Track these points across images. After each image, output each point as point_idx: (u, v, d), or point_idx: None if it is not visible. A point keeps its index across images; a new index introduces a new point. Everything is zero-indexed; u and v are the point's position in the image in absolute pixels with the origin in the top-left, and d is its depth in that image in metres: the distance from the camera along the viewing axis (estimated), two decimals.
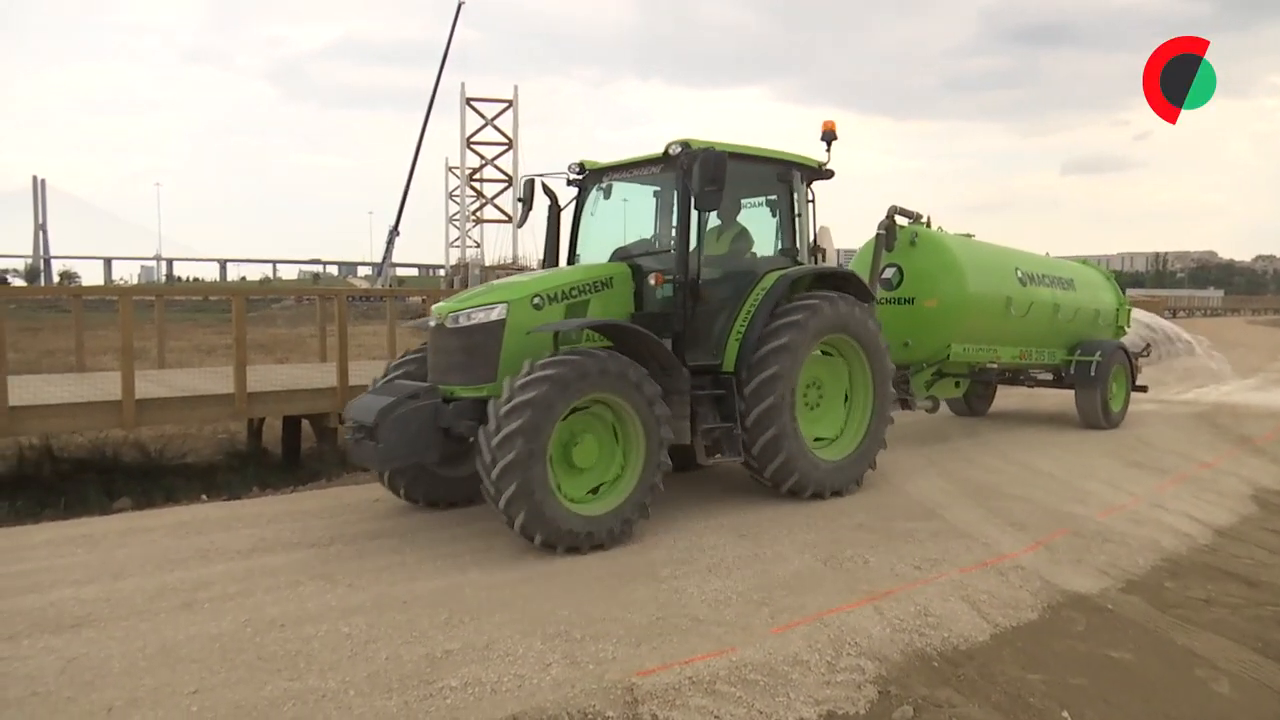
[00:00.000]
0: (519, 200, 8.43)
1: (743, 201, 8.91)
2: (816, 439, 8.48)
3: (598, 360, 6.58)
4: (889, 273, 11.21)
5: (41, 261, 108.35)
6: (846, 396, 8.82)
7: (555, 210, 8.79)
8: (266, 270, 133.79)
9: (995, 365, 12.09)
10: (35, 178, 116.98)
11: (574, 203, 8.76)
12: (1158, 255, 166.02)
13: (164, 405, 10.22)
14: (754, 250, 8.77)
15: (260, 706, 4.13)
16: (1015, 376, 13.47)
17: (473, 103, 63.90)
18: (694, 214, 7.70)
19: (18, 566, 6.23)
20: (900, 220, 11.26)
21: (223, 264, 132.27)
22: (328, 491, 9.14)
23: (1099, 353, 12.88)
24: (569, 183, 8.77)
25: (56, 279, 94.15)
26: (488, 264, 61.76)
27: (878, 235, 11.00)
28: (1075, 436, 12.39)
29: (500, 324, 6.92)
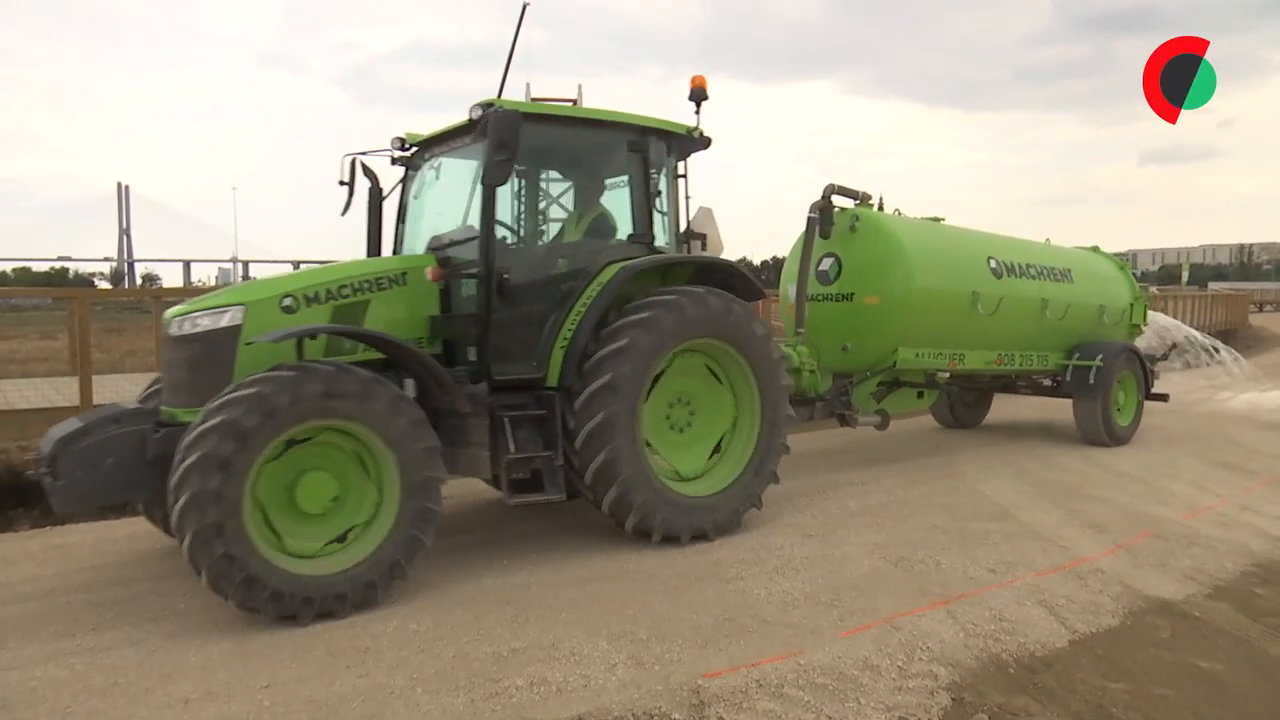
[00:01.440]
0: (340, 183, 7.12)
1: (608, 181, 7.47)
2: (682, 471, 6.97)
3: (320, 377, 5.20)
4: (826, 264, 9.58)
5: (125, 265, 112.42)
6: (732, 418, 7.25)
7: (376, 194, 7.44)
8: None
9: (949, 373, 10.06)
10: (119, 184, 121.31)
11: (400, 184, 7.44)
12: (1242, 247, 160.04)
13: None
14: (612, 239, 7.18)
15: (330, 701, 4.18)
16: (1010, 383, 11.81)
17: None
18: (512, 193, 6.72)
19: (102, 559, 6.43)
20: (844, 202, 9.65)
21: (296, 264, 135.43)
22: None
23: (1100, 356, 10.96)
24: (393, 161, 7.41)
25: (140, 281, 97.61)
26: None
27: (809, 220, 9.49)
28: (1158, 436, 11.96)
29: (233, 331, 5.59)
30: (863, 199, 9.68)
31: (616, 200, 7.37)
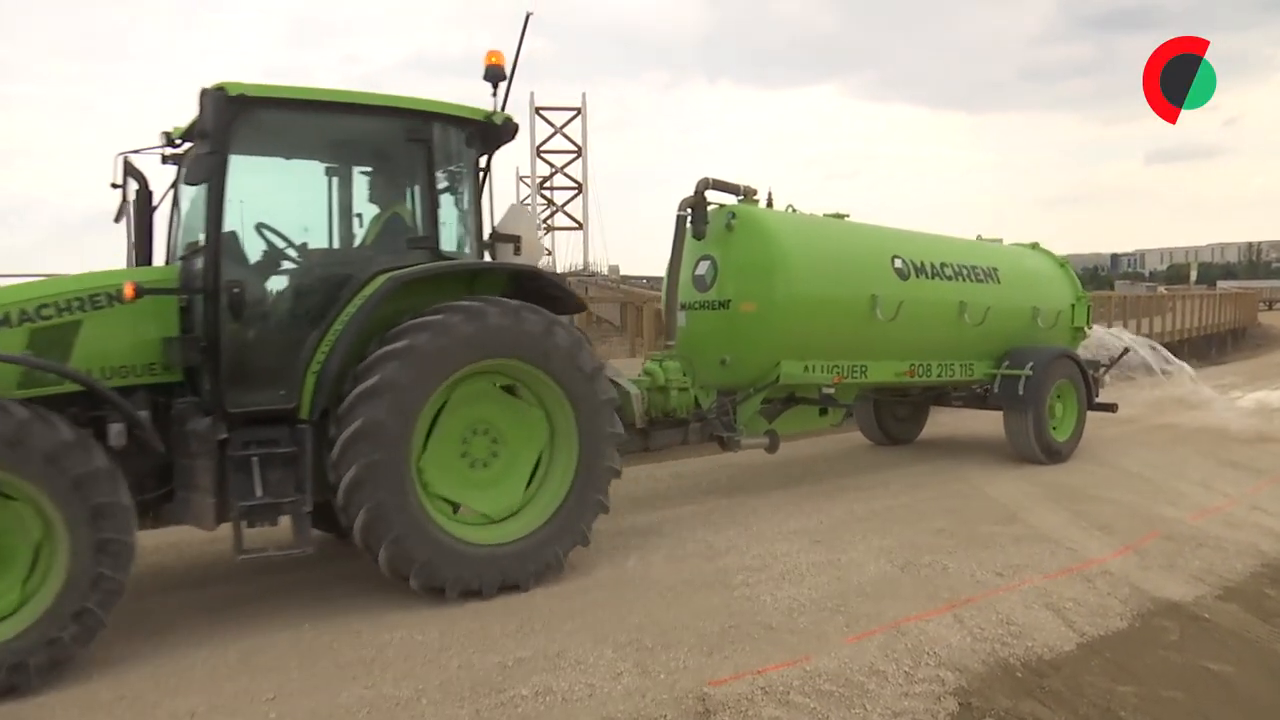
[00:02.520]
0: (112, 185, 6.17)
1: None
2: (490, 513, 6.00)
3: None
4: (703, 268, 8.48)
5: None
6: (547, 443, 6.20)
7: (145, 198, 6.32)
8: None
9: (833, 388, 8.61)
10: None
11: (172, 186, 6.35)
12: (1251, 245, 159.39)
13: None
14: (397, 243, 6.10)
15: (335, 713, 4.19)
16: (943, 394, 10.79)
17: (541, 111, 64.39)
18: (268, 192, 5.88)
19: None
20: (724, 199, 8.58)
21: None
22: None
23: (1030, 364, 9.81)
24: (164, 159, 6.26)
25: None
26: (559, 271, 62.31)
27: (678, 219, 8.42)
28: (1165, 435, 11.92)
29: None
30: (745, 194, 8.61)
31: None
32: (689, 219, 8.40)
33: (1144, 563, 6.43)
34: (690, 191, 8.41)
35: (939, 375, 9.71)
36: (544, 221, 68.11)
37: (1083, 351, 11.49)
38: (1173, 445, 11.26)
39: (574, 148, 65.97)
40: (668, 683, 4.47)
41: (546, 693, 4.37)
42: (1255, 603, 5.71)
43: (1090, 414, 10.78)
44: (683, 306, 8.50)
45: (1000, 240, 11.56)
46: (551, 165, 66.31)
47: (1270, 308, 60.86)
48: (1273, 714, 4.30)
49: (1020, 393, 9.74)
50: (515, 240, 6.50)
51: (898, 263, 9.06)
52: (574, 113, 65.26)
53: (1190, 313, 28.53)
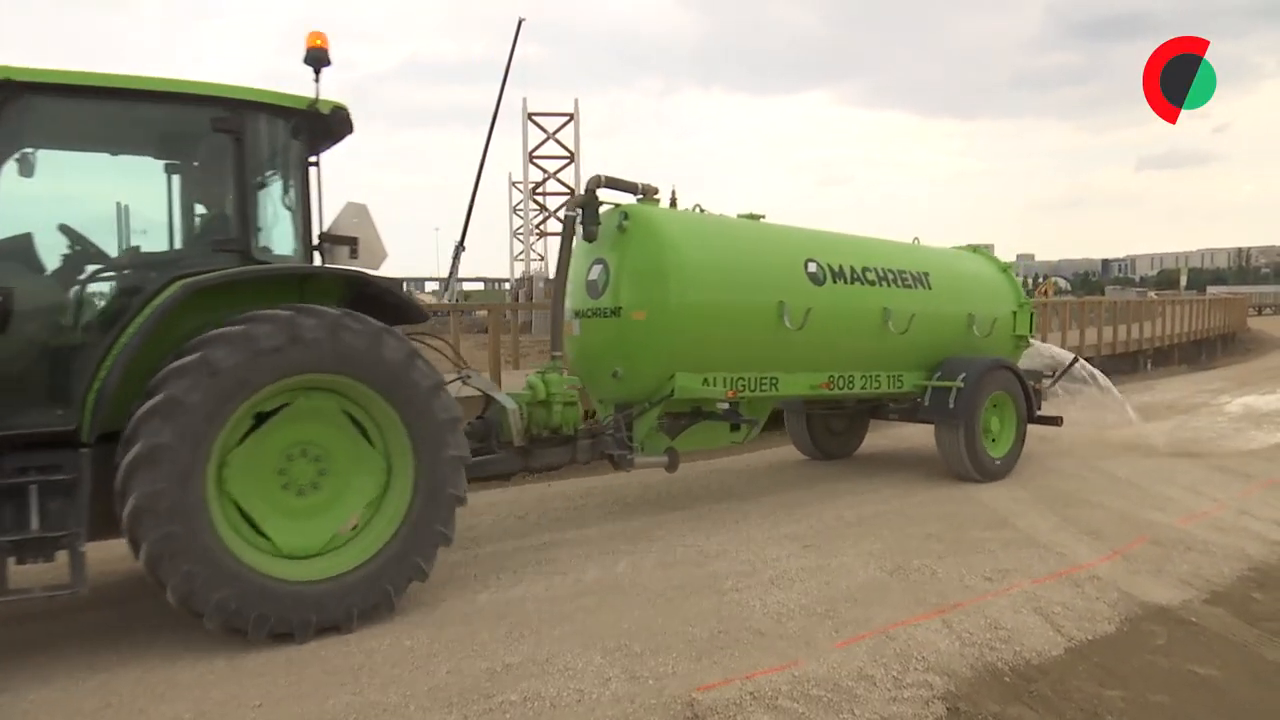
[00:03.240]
0: None
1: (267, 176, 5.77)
2: (305, 546, 5.30)
3: None
4: (596, 272, 7.85)
5: None
6: (384, 470, 5.57)
7: None
8: None
9: (726, 404, 7.89)
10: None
11: None
12: (1240, 251, 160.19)
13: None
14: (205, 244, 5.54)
15: None
16: (879, 406, 10.17)
17: (534, 117, 64.56)
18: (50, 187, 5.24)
19: (98, 579, 6.39)
20: (625, 199, 7.92)
21: None
22: None
23: (962, 375, 9.21)
24: None
25: None
26: (552, 276, 62.25)
27: (565, 219, 7.89)
28: (1155, 442, 11.94)
29: None
30: (645, 193, 7.91)
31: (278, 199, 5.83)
32: (579, 219, 7.79)
33: (1132, 567, 6.44)
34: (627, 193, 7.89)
35: (863, 387, 9.03)
36: (536, 228, 68.12)
37: (1025, 363, 10.96)
38: (1160, 449, 11.27)
39: (566, 154, 65.98)
40: (656, 688, 4.47)
41: (535, 699, 4.37)
42: (1242, 607, 5.73)
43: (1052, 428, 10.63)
44: (577, 315, 8.02)
45: (989, 247, 11.50)
46: (544, 171, 66.29)
47: (1259, 313, 61.20)
48: (1259, 718, 4.31)
49: (951, 406, 9.13)
50: (351, 242, 5.95)
51: (811, 267, 8.37)
52: (567, 118, 65.29)
53: (1180, 318, 28.64)
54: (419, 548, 5.56)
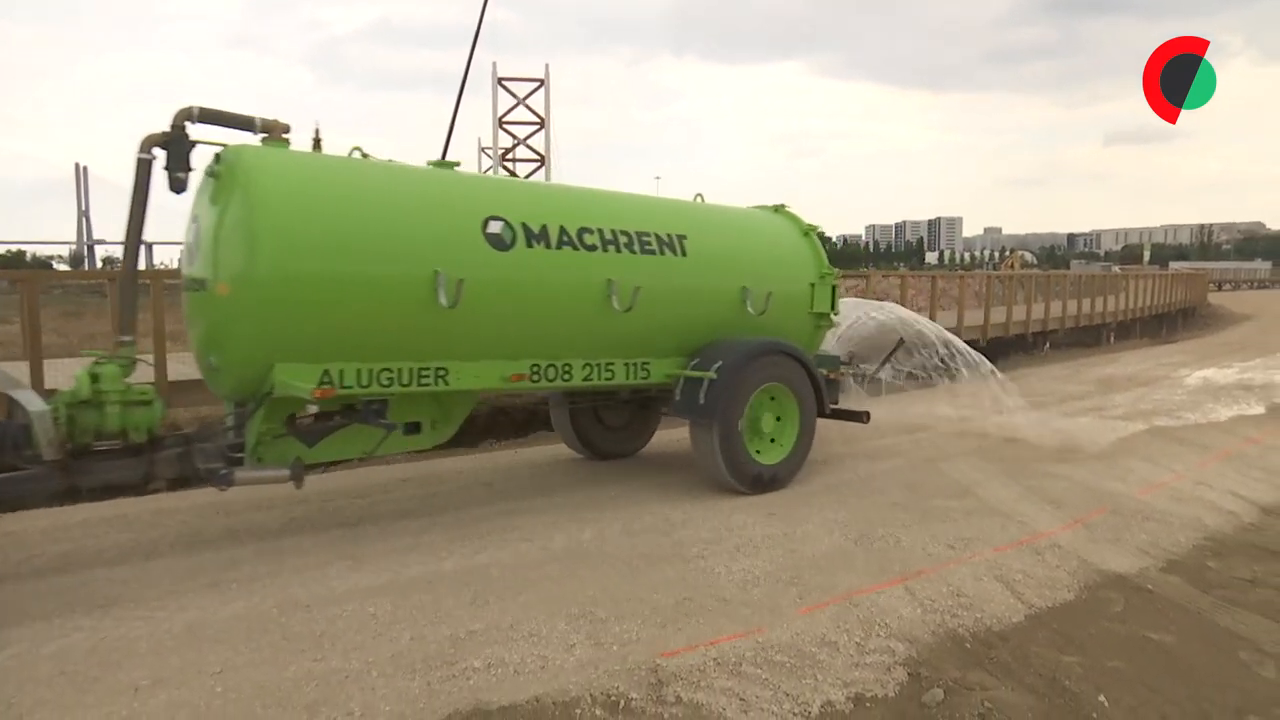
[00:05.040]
0: None
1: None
2: None
3: None
4: (192, 233, 6.17)
5: (85, 247, 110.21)
6: None
7: None
8: None
9: (315, 403, 5.81)
10: (78, 165, 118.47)
11: None
12: (1203, 227, 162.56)
13: (199, 387, 10.28)
14: None
15: (283, 687, 4.13)
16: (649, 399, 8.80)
17: (504, 82, 63.77)
18: None
19: (54, 547, 6.30)
20: (238, 139, 6.08)
21: None
22: (357, 472, 9.16)
23: (718, 364, 7.43)
24: None
25: (100, 264, 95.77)
26: None
27: (138, 163, 5.83)
28: (1120, 412, 12.11)
29: None
30: (269, 130, 6.13)
31: None
32: (168, 165, 5.90)
33: (1092, 536, 6.54)
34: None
35: (589, 379, 7.21)
36: None
37: (863, 343, 9.75)
38: (1122, 422, 11.41)
39: (537, 120, 65.37)
40: (620, 654, 4.47)
41: (498, 665, 4.35)
42: (1197, 575, 5.83)
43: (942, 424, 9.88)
44: (186, 288, 6.28)
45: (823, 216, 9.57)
46: (514, 137, 65.66)
47: (1220, 288, 62.21)
48: (1211, 682, 4.39)
49: (701, 401, 7.38)
50: None
51: (494, 227, 6.48)
52: (537, 84, 64.60)
53: (1143, 292, 29.05)
54: None
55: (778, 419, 8.01)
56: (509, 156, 67.68)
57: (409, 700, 4.02)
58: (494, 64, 62.66)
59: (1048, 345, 21.91)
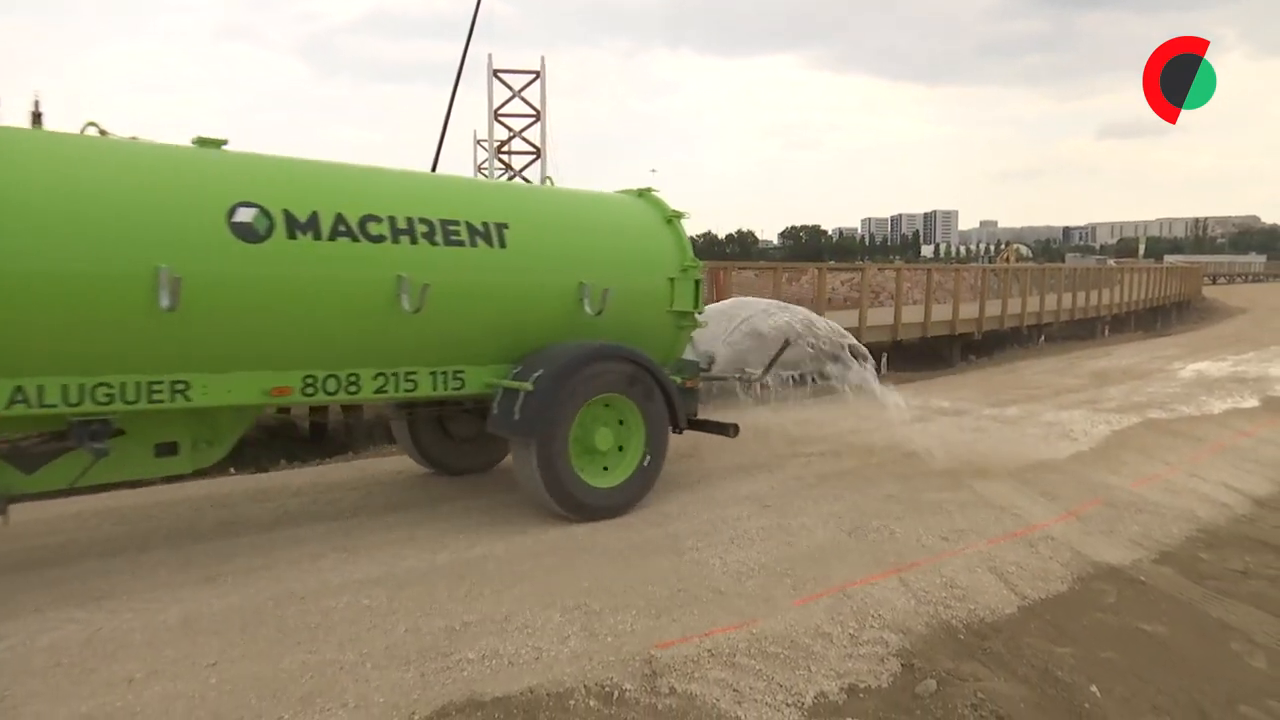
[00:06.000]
0: None
1: None
2: None
3: None
4: None
5: None
6: None
7: None
8: None
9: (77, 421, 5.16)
10: None
11: None
12: (1197, 221, 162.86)
13: None
14: None
15: (278, 678, 4.13)
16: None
17: (499, 74, 63.63)
18: None
19: (48, 539, 6.30)
20: None
21: None
22: (353, 464, 9.17)
23: (537, 373, 6.39)
24: None
25: None
26: None
27: None
28: (1114, 405, 12.15)
29: None
30: None
31: None
32: None
33: (1085, 528, 6.56)
34: None
35: (381, 390, 6.18)
36: None
37: (757, 348, 8.62)
38: (1116, 414, 11.43)
39: (532, 112, 65.20)
40: (614, 645, 4.48)
41: (493, 656, 4.36)
42: (1190, 566, 5.86)
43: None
44: None
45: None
46: (509, 129, 65.47)
47: (1214, 282, 62.38)
48: (1203, 673, 4.42)
49: (515, 416, 6.37)
50: None
51: (244, 215, 5.48)
52: (533, 76, 64.41)
53: (1138, 286, 29.12)
54: None
55: (618, 436, 6.92)
56: (504, 149, 67.53)
57: (403, 691, 4.03)
58: (489, 56, 62.43)
59: (1042, 338, 21.97)
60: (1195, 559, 6.01)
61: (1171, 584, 5.53)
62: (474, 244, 6.41)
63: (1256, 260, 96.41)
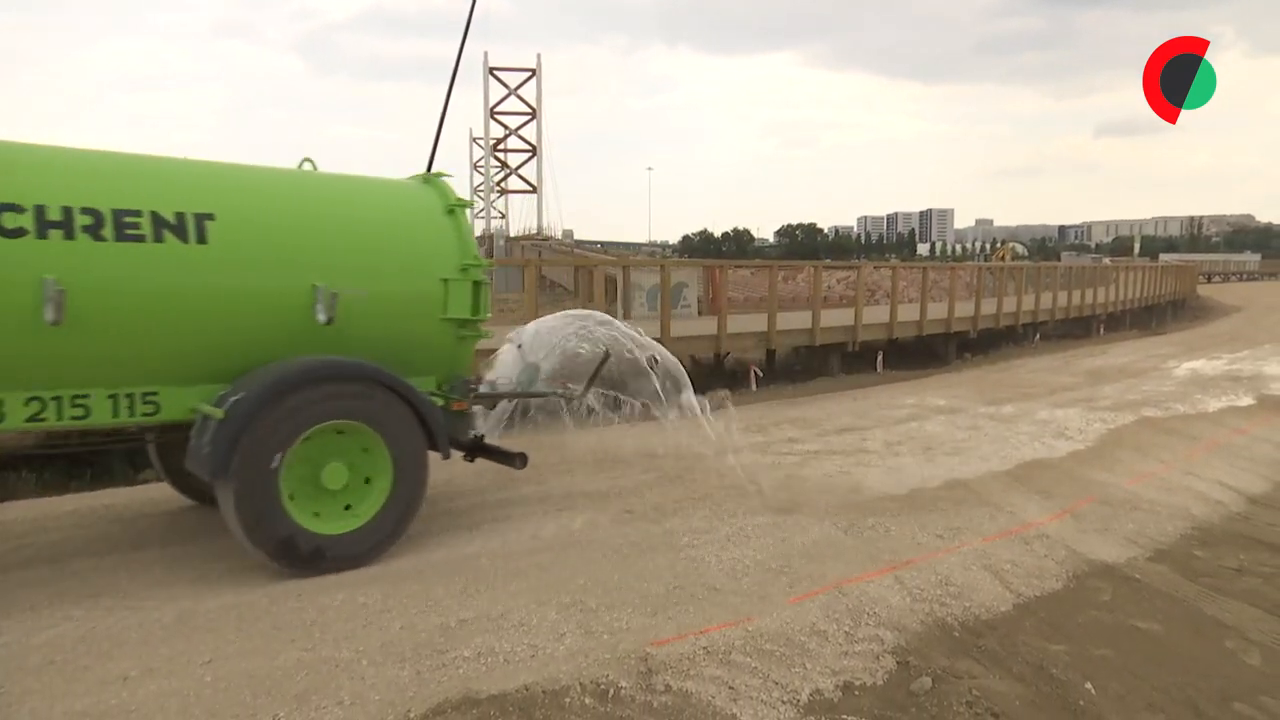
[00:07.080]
0: None
1: None
2: None
3: None
4: None
5: None
6: None
7: None
8: None
9: None
10: None
11: None
12: (1192, 219, 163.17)
13: None
14: None
15: (273, 675, 4.13)
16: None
17: (496, 72, 63.49)
18: None
19: (43, 537, 6.28)
20: None
21: None
22: None
23: (236, 397, 5.27)
24: None
25: None
26: (512, 234, 61.90)
27: None
28: (1109, 403, 12.17)
29: None
30: None
31: None
32: None
33: (1080, 526, 6.57)
34: None
35: (36, 416, 5.08)
36: (497, 185, 67.38)
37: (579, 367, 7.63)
38: (1109, 411, 11.43)
39: (528, 110, 65.14)
40: (610, 643, 4.48)
41: (488, 653, 4.36)
42: (1184, 564, 5.88)
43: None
44: None
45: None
46: (505, 127, 65.45)
47: (1209, 280, 62.53)
48: (1198, 670, 4.43)
49: (205, 449, 5.23)
50: None
51: None
52: (529, 74, 64.36)
53: (1133, 284, 29.17)
54: None
55: (360, 469, 5.74)
56: (500, 147, 67.34)
57: (399, 688, 4.02)
58: (485, 54, 62.30)
59: (1038, 336, 21.99)
60: (1190, 556, 6.03)
61: (1166, 581, 5.54)
62: (159, 239, 5.24)
63: (1251, 259, 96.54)
